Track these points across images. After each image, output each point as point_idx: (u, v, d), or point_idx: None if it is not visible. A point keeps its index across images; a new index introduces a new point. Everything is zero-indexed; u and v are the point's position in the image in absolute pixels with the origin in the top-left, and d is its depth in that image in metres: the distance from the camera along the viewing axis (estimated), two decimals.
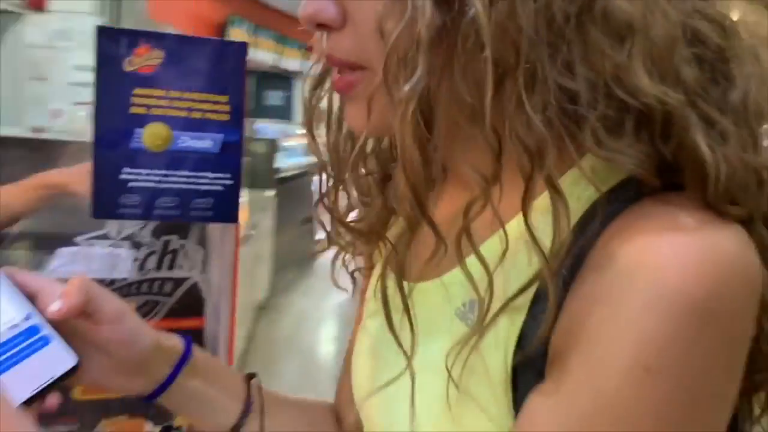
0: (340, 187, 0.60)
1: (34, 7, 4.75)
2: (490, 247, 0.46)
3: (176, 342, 0.63)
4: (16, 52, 4.68)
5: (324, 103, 0.59)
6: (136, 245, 0.78)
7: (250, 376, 0.66)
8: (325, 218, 0.60)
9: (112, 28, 0.71)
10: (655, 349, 0.39)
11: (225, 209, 0.75)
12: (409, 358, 0.48)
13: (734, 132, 0.44)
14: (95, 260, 0.89)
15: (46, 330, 0.55)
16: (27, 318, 0.55)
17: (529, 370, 0.44)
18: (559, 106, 0.42)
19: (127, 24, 4.51)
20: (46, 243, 0.94)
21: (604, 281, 0.41)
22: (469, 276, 0.45)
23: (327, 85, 0.58)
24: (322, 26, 0.48)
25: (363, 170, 0.59)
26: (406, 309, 0.48)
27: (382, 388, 0.52)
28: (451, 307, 0.50)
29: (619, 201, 0.44)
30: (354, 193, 0.60)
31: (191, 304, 0.77)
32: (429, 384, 0.48)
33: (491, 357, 0.45)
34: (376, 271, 0.61)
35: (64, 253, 0.93)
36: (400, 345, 0.48)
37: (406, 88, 0.41)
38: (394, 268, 0.48)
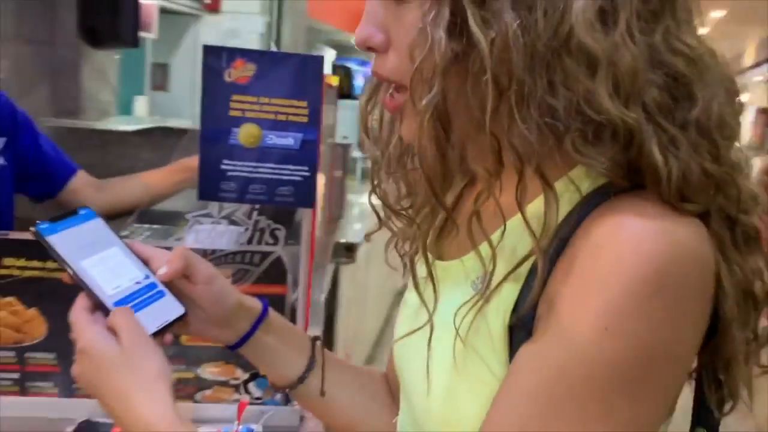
0: (391, 179, 0.71)
1: (210, 9, 5.26)
2: (497, 234, 0.56)
3: (256, 303, 0.75)
4: (192, 50, 5.21)
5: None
6: (233, 223, 0.95)
7: (316, 338, 0.78)
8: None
9: (215, 47, 0.87)
10: (612, 312, 0.48)
11: (303, 196, 0.90)
12: (430, 314, 0.58)
13: (693, 142, 0.52)
14: (225, 235, 1.08)
15: (160, 287, 0.69)
16: (146, 277, 0.68)
17: (521, 330, 0.53)
18: (544, 120, 0.51)
19: (288, 22, 4.86)
20: (167, 217, 1.13)
21: (578, 256, 0.50)
22: (478, 253, 0.56)
23: (380, 95, 0.70)
24: (371, 49, 0.59)
25: (409, 165, 0.70)
26: (430, 275, 0.59)
27: (406, 336, 0.62)
28: (467, 280, 0.61)
29: (597, 199, 0.53)
30: (402, 185, 0.71)
31: (276, 273, 0.92)
32: (444, 339, 0.59)
33: (493, 320, 0.55)
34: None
35: (200, 229, 1.13)
36: (423, 303, 0.59)
37: (424, 102, 0.52)
38: (420, 243, 0.60)
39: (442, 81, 0.51)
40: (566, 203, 0.54)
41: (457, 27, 0.50)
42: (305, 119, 0.88)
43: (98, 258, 0.65)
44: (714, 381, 0.57)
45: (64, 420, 0.89)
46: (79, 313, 0.63)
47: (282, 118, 0.88)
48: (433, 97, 0.52)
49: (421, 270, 0.62)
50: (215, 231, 1.10)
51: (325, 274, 1.61)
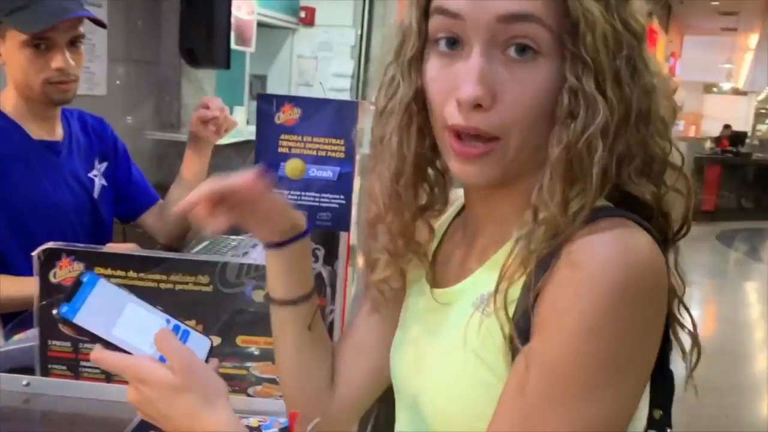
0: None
1: (306, 23, 5.52)
2: (499, 254, 0.68)
3: (302, 224, 0.80)
4: (288, 62, 5.49)
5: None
6: None
7: (318, 277, 0.89)
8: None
9: (268, 95, 1.02)
10: (592, 315, 0.57)
11: (340, 221, 1.03)
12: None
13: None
14: None
15: (183, 326, 0.71)
16: (168, 321, 0.71)
17: (520, 336, 0.63)
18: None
19: (378, 34, 5.02)
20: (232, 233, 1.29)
21: (561, 271, 0.61)
22: (489, 271, 0.67)
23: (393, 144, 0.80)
24: (477, 106, 0.62)
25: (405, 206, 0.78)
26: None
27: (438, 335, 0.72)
28: (468, 301, 0.71)
29: (587, 219, 0.63)
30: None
31: (316, 287, 1.06)
32: (452, 353, 0.69)
33: (496, 331, 0.65)
34: (412, 286, 0.83)
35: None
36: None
37: (596, 158, 0.61)
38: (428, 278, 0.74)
39: (603, 136, 0.62)
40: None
41: (598, 89, 0.61)
42: (342, 155, 1.02)
43: (122, 321, 0.67)
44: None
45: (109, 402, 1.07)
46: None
47: (322, 153, 1.02)
48: (602, 154, 0.61)
49: (418, 300, 0.75)
50: None
51: None
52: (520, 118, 0.62)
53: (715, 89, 19.80)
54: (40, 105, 1.55)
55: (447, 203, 0.78)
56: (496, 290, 0.64)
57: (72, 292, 0.66)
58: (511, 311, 0.64)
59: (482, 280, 0.69)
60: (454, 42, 0.64)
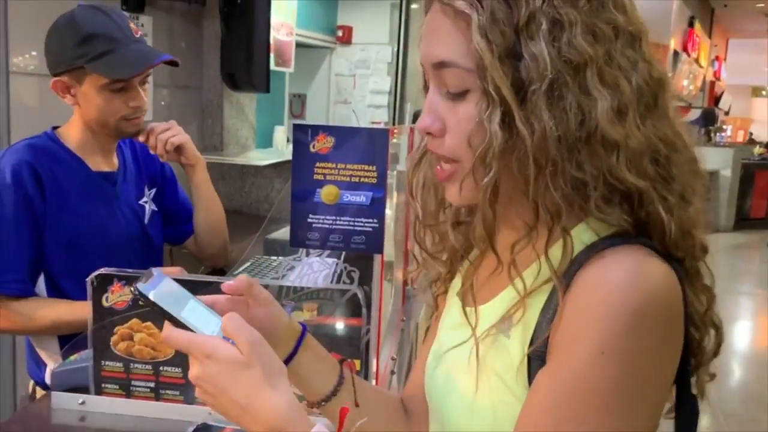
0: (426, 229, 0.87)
1: (343, 42, 5.61)
2: (529, 272, 0.70)
3: (298, 325, 0.83)
4: (327, 80, 5.58)
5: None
6: (318, 266, 1.14)
7: (342, 360, 0.89)
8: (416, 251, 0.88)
9: (303, 125, 1.07)
10: (606, 340, 0.60)
11: (374, 244, 1.07)
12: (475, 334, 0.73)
13: (676, 205, 0.68)
14: (317, 272, 1.28)
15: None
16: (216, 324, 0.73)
17: (537, 359, 0.67)
18: (573, 189, 0.66)
19: (413, 51, 5.07)
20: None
21: (577, 295, 0.64)
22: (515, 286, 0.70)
23: (421, 164, 0.86)
24: (429, 134, 0.72)
25: (441, 218, 0.85)
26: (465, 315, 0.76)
27: (447, 351, 0.78)
28: (492, 321, 0.74)
29: (604, 244, 0.67)
30: (435, 235, 0.87)
31: (352, 308, 1.11)
32: (476, 368, 0.73)
33: (515, 352, 0.69)
34: (450, 297, 0.87)
35: (299, 264, 1.34)
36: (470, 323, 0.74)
37: (485, 180, 0.67)
38: (462, 293, 0.77)
39: (498, 163, 0.67)
40: (581, 243, 0.68)
41: (506, 122, 0.66)
42: (374, 180, 1.06)
43: (188, 309, 0.72)
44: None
45: (186, 422, 1.13)
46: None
47: (356, 180, 1.06)
48: (493, 175, 0.67)
49: (451, 316, 0.78)
50: (311, 269, 1.31)
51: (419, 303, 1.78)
52: (464, 145, 0.69)
53: (764, 92, 19.30)
54: (107, 138, 1.65)
55: None
56: (511, 313, 0.68)
57: (146, 278, 0.72)
58: (528, 335, 0.67)
59: (505, 301, 0.72)
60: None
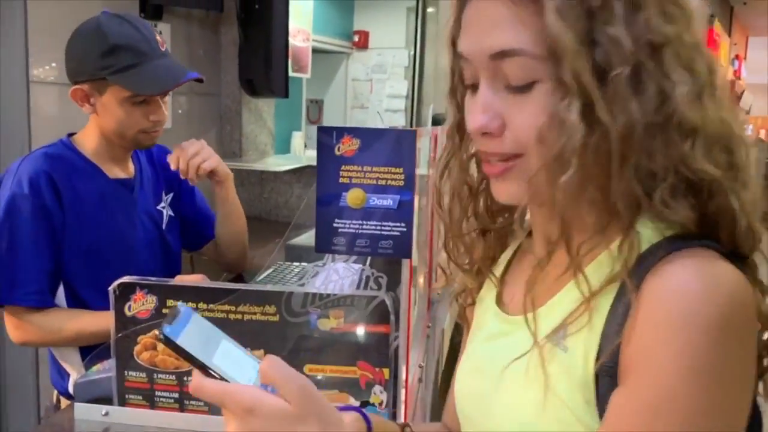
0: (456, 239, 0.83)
1: (359, 47, 5.60)
2: (590, 272, 0.65)
3: (362, 424, 0.70)
4: (344, 85, 5.57)
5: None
6: (344, 271, 1.11)
7: (405, 425, 0.81)
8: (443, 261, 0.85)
9: (327, 127, 1.04)
10: (691, 353, 0.56)
11: (401, 248, 1.04)
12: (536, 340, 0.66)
13: (744, 196, 0.64)
14: (343, 278, 1.25)
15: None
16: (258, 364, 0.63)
17: (606, 376, 0.62)
18: (640, 182, 0.63)
19: (431, 54, 5.05)
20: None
21: (652, 305, 0.59)
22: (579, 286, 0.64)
23: (450, 171, 0.82)
24: (486, 134, 0.66)
25: (465, 230, 0.82)
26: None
27: (506, 368, 0.70)
28: (541, 331, 0.68)
29: (670, 246, 0.62)
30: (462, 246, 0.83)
31: (380, 315, 1.07)
32: (526, 382, 0.67)
33: (575, 368, 0.64)
34: (478, 308, 0.84)
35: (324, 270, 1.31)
36: (533, 332, 0.66)
37: (564, 178, 0.62)
38: (526, 302, 0.69)
39: (578, 159, 0.62)
40: (645, 243, 0.64)
41: (585, 113, 0.61)
42: (402, 183, 1.03)
43: (220, 353, 0.63)
44: None
45: (184, 431, 1.10)
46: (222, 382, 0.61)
47: (382, 183, 1.03)
48: (573, 172, 0.62)
49: (484, 325, 0.74)
50: (337, 274, 1.28)
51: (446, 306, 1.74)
52: (533, 140, 0.64)
53: None
54: (122, 149, 1.63)
55: (522, 224, 0.76)
56: (574, 318, 0.64)
57: (172, 317, 0.63)
58: (593, 347, 0.62)
59: (563, 305, 0.67)
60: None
